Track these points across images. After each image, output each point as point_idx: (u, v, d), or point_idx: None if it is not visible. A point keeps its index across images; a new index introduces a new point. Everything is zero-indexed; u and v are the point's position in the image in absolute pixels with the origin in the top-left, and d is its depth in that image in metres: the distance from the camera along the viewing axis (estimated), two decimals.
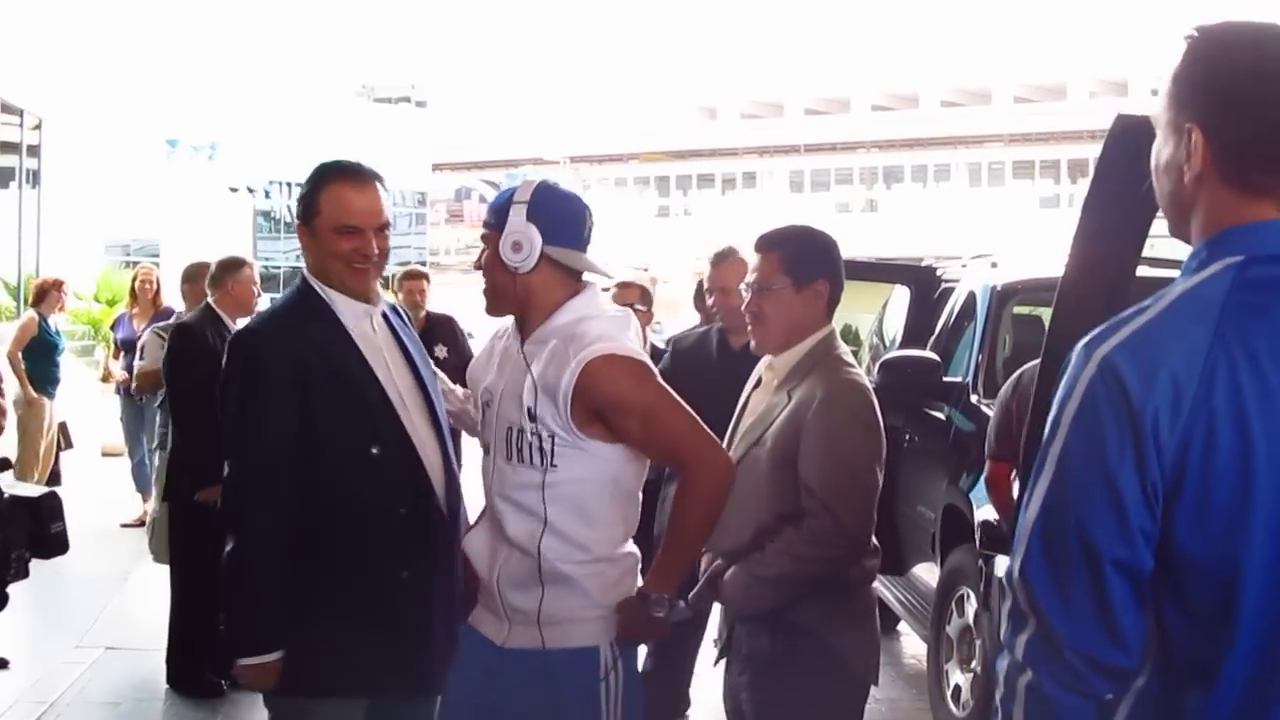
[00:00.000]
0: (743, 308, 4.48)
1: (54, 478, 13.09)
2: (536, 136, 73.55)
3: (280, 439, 3.97)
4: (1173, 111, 2.16)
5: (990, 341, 7.89)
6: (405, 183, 58.68)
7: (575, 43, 76.70)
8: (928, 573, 7.86)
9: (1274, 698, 2.02)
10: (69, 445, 13.72)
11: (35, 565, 7.18)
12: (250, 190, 51.31)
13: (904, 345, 8.99)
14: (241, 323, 7.63)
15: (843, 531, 4.12)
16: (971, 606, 6.84)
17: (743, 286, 4.47)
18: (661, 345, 6.98)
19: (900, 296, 9.73)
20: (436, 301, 10.85)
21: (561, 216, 3.80)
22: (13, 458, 12.38)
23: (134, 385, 11.04)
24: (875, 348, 10.44)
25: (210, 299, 7.98)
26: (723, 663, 4.62)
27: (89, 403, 16.67)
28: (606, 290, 4.11)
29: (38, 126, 26.56)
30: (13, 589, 6.84)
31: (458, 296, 12.12)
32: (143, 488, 12.49)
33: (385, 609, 4.02)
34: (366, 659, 4.01)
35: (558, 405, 3.65)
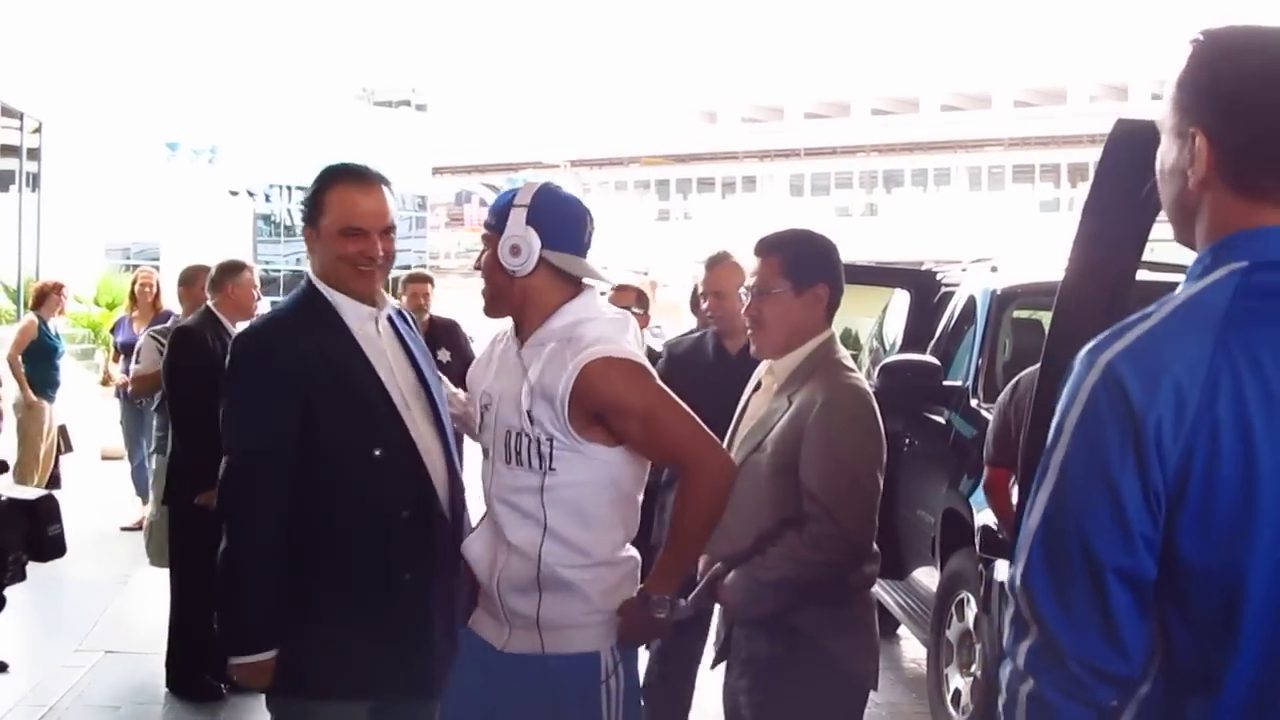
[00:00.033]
0: (742, 311, 4.48)
1: (54, 481, 13.08)
2: (537, 140, 73.56)
3: (278, 439, 3.98)
4: (1177, 116, 2.14)
5: (990, 346, 7.89)
6: (405, 186, 58.69)
7: (575, 46, 76.76)
8: (928, 577, 7.85)
9: (1278, 705, 2.01)
10: (69, 449, 13.71)
11: (34, 569, 7.18)
12: (250, 194, 51.28)
13: (904, 349, 8.99)
14: (241, 326, 7.65)
15: (845, 536, 4.12)
16: (971, 611, 6.83)
17: (742, 290, 4.47)
18: (659, 350, 6.97)
19: (900, 300, 9.73)
20: (437, 305, 10.85)
21: (561, 221, 3.80)
22: (12, 461, 12.40)
23: (130, 389, 11.05)
24: (875, 351, 10.44)
25: (210, 302, 7.98)
26: (721, 666, 4.62)
27: (89, 406, 16.67)
28: (603, 294, 4.11)
29: (38, 130, 26.58)
30: (11, 592, 6.83)
31: (458, 300, 12.12)
32: (142, 491, 12.48)
33: (386, 611, 4.02)
34: (367, 661, 4.02)
35: (555, 408, 3.65)
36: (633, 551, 3.88)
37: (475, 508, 4.14)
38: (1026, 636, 2.10)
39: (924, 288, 9.41)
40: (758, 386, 4.53)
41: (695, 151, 75.83)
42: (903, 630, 9.00)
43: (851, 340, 11.80)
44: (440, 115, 69.25)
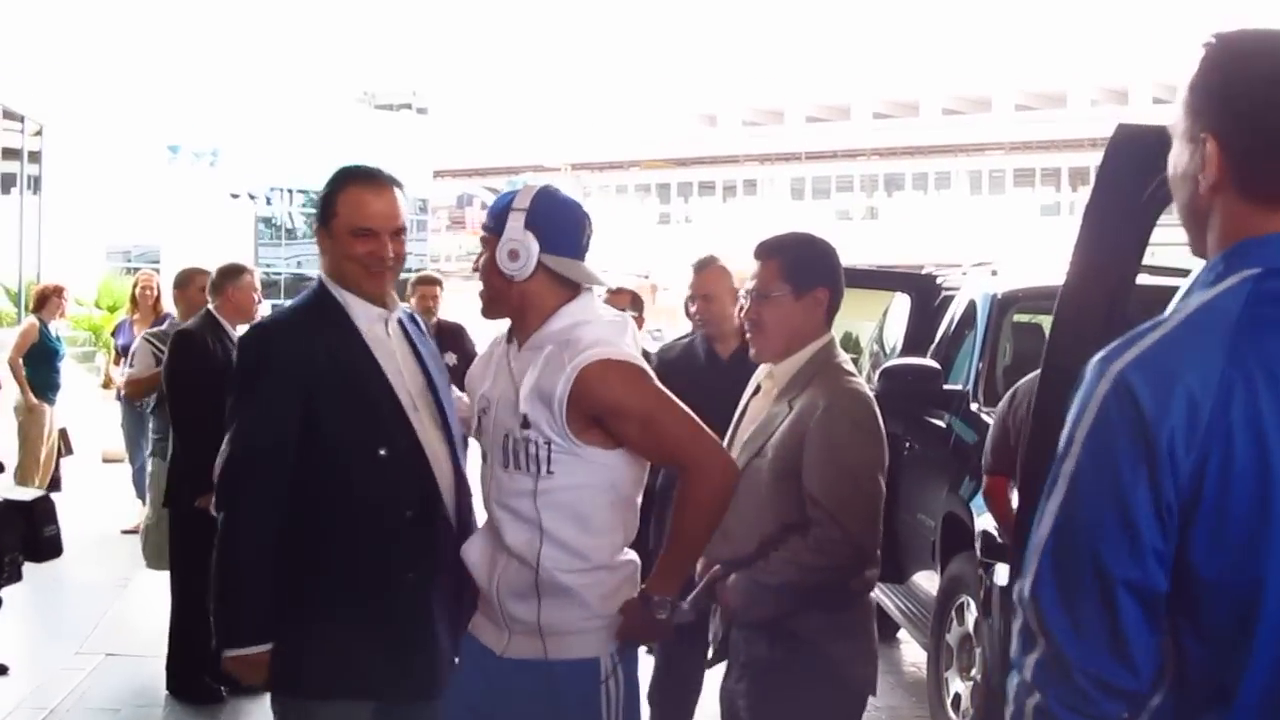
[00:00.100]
0: (741, 315, 4.49)
1: (54, 484, 13.07)
2: (537, 143, 73.57)
3: (278, 435, 3.99)
4: (1188, 120, 2.12)
5: (990, 350, 7.89)
6: (407, 189, 58.40)
7: (576, 50, 76.73)
8: (928, 581, 7.86)
9: None
10: (69, 451, 13.71)
11: (35, 571, 7.18)
12: (251, 197, 51.25)
13: (904, 353, 9.00)
14: (242, 329, 7.66)
15: (849, 541, 4.12)
16: (972, 614, 6.83)
17: (742, 294, 4.47)
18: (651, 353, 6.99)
19: (901, 304, 9.74)
20: (440, 307, 10.87)
21: (560, 224, 3.79)
22: (13, 464, 12.42)
23: (124, 392, 11.05)
24: (876, 355, 10.44)
25: (211, 305, 7.98)
26: (719, 668, 4.62)
27: (90, 409, 16.68)
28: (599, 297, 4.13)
29: (39, 133, 26.60)
30: (11, 594, 6.84)
31: (460, 302, 12.14)
32: (143, 494, 12.49)
33: (388, 611, 4.02)
34: (367, 661, 4.02)
35: (553, 412, 3.64)
36: (632, 555, 3.87)
37: (482, 513, 4.15)
38: (1034, 649, 2.07)
39: (924, 292, 9.41)
40: (757, 390, 4.53)
41: (696, 155, 75.81)
42: (903, 634, 9.00)
43: (852, 344, 11.79)
44: (441, 118, 69.18)
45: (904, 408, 7.88)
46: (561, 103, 77.80)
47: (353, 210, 4.09)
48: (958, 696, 7.06)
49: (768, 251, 4.40)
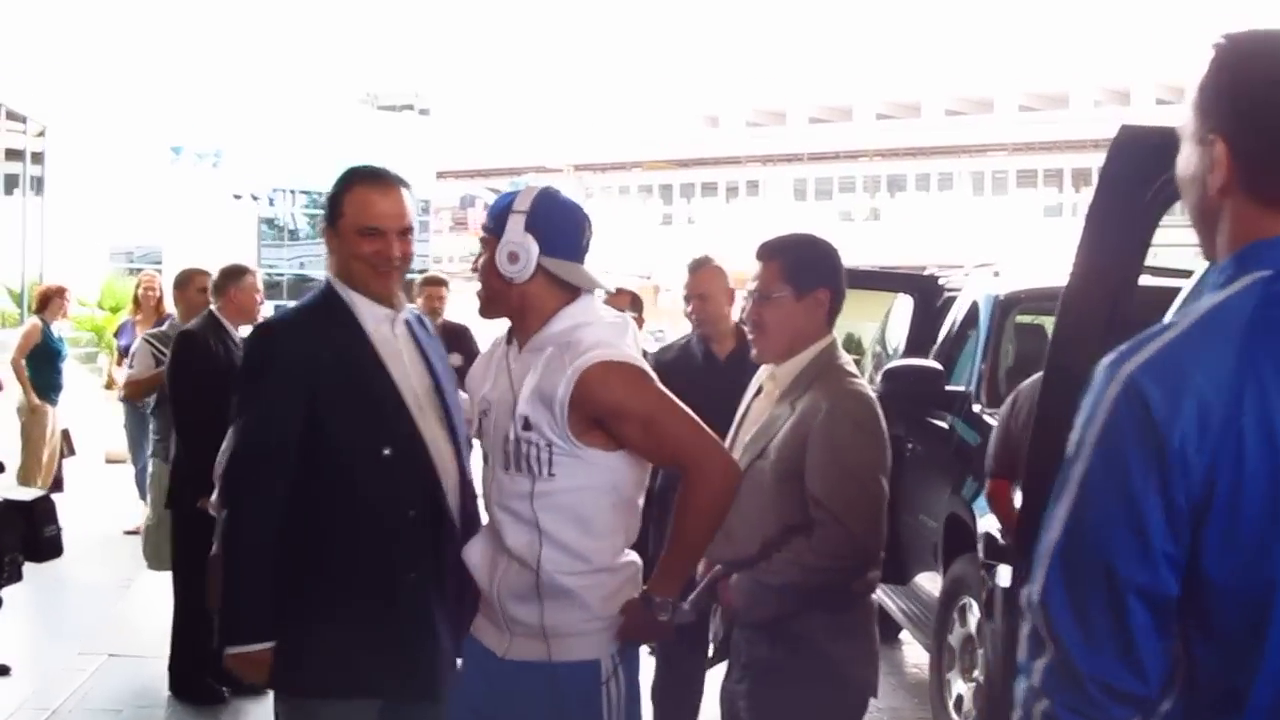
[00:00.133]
0: (743, 316, 4.48)
1: (57, 484, 13.09)
2: (540, 144, 73.60)
3: (281, 434, 4.01)
4: (1197, 121, 2.10)
5: (993, 351, 7.89)
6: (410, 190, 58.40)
7: (579, 51, 76.74)
8: (930, 582, 7.85)
9: None
10: (71, 452, 13.72)
11: (39, 572, 7.18)
12: (254, 198, 51.25)
13: (907, 354, 9.00)
14: (244, 329, 7.67)
15: (853, 542, 4.12)
16: (974, 616, 6.83)
17: (743, 295, 4.47)
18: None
19: (903, 305, 9.74)
20: (446, 308, 10.87)
21: (560, 227, 3.79)
22: (16, 464, 12.42)
23: (123, 394, 11.04)
24: (878, 356, 10.45)
25: (213, 306, 7.99)
26: (720, 668, 4.62)
27: (93, 410, 16.68)
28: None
29: (42, 133, 26.60)
30: (14, 594, 6.84)
31: (463, 303, 12.15)
32: (146, 495, 12.50)
33: (391, 610, 4.03)
34: (368, 659, 4.02)
35: (554, 414, 3.64)
36: (633, 556, 3.87)
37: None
38: (1042, 654, 2.05)
39: (927, 293, 9.42)
40: (758, 392, 4.52)
41: (698, 156, 75.82)
42: (905, 635, 9.00)
43: (854, 345, 11.79)
44: (444, 120, 69.16)
45: (906, 409, 7.88)
46: (564, 104, 77.81)
47: (359, 210, 4.10)
48: (960, 698, 7.06)
49: (769, 253, 4.39)
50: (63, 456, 13.50)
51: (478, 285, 3.91)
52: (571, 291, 3.79)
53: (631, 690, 3.84)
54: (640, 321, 7.57)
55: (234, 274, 8.05)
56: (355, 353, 4.07)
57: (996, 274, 8.67)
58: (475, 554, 3.90)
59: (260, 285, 8.27)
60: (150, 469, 9.66)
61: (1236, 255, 2.06)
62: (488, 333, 4.06)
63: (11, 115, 24.97)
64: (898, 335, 9.74)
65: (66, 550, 6.65)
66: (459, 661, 4.06)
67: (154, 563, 8.67)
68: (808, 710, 4.21)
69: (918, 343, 9.07)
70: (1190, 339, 1.98)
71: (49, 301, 13.43)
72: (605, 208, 64.97)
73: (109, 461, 16.15)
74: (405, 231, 4.14)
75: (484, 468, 3.93)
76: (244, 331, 7.82)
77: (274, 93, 50.67)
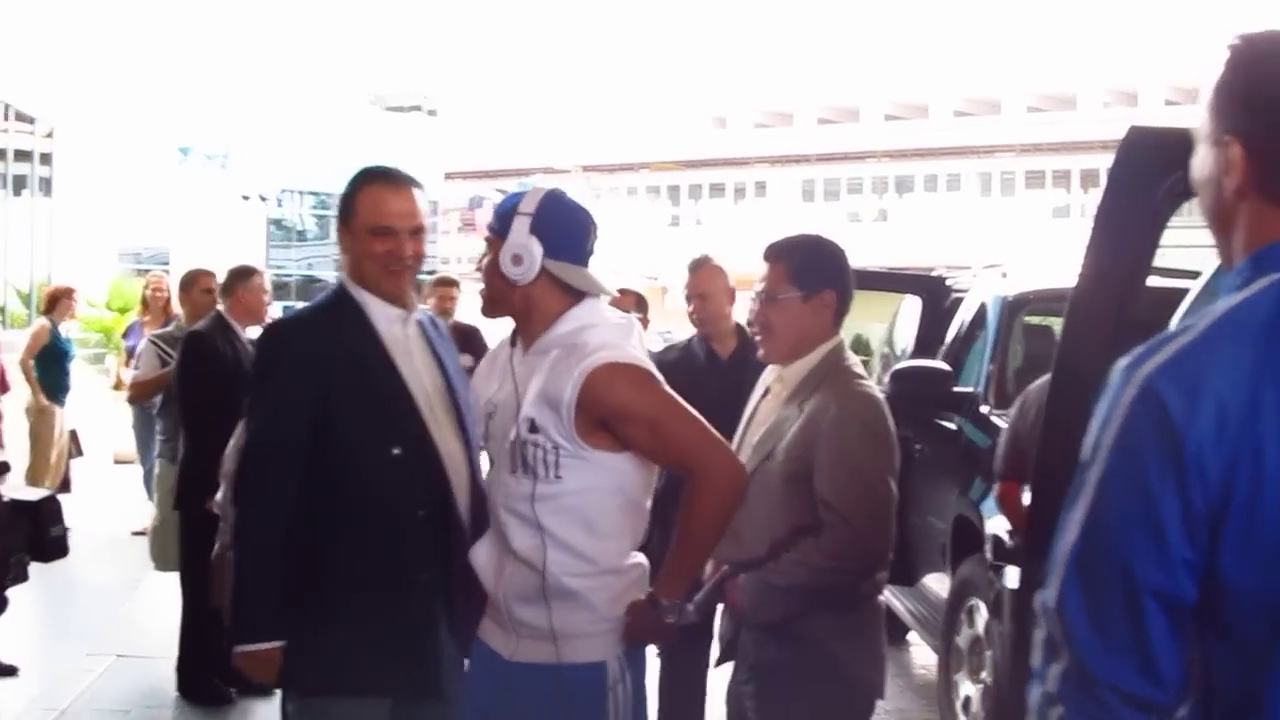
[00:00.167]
0: (750, 317, 4.49)
1: (65, 485, 13.11)
2: (548, 145, 73.54)
3: (291, 433, 4.02)
4: (1212, 123, 2.07)
5: (1001, 352, 7.89)
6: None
7: (586, 52, 76.72)
8: (938, 583, 7.85)
9: None
10: (79, 453, 13.74)
11: (47, 572, 7.20)
12: (262, 198, 51.32)
13: (915, 355, 9.00)
14: (253, 330, 7.68)
15: (861, 544, 4.12)
16: (982, 617, 6.83)
17: (750, 296, 4.47)
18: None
19: (911, 306, 9.74)
20: (457, 309, 10.89)
21: (565, 230, 3.79)
22: (24, 465, 12.44)
23: (128, 395, 11.05)
24: (886, 357, 10.45)
25: (221, 307, 8.00)
26: (725, 668, 4.62)
27: (101, 410, 16.71)
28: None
29: (50, 134, 26.63)
30: (23, 595, 6.86)
31: (475, 305, 12.18)
32: (153, 496, 12.51)
33: (399, 609, 4.03)
34: (376, 658, 4.02)
35: (561, 416, 3.64)
36: (640, 558, 3.86)
37: None
38: (1057, 660, 2.02)
39: (935, 294, 9.41)
40: (765, 393, 4.52)
41: (706, 157, 75.72)
42: (913, 636, 9.00)
43: (863, 346, 11.80)
44: (451, 121, 69.21)
45: (914, 410, 7.88)
46: (571, 105, 77.78)
47: (371, 209, 4.11)
48: (968, 699, 7.05)
49: (776, 254, 4.40)
50: (70, 457, 13.52)
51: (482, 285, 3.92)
52: (576, 294, 3.79)
53: (638, 692, 3.84)
54: (645, 322, 7.57)
55: (242, 275, 8.06)
56: (366, 352, 4.08)
57: (1004, 275, 8.67)
58: (481, 556, 3.90)
59: (268, 286, 8.28)
60: (156, 470, 9.66)
61: (1253, 257, 2.03)
62: (498, 334, 4.06)
63: (20, 116, 25.01)
64: (906, 336, 9.74)
65: (75, 551, 6.66)
66: (466, 663, 4.06)
67: (160, 563, 8.67)
68: (814, 711, 4.21)
69: (926, 344, 9.07)
70: (1207, 340, 1.95)
71: (57, 302, 13.44)
72: (613, 209, 64.91)
73: (117, 462, 16.17)
74: (417, 231, 4.15)
75: (489, 470, 3.93)
76: (252, 332, 7.83)
77: (282, 94, 50.74)
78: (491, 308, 3.92)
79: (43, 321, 13.53)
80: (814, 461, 4.12)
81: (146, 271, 19.34)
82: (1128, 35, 62.27)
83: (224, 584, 5.24)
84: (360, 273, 4.15)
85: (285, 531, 3.99)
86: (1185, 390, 1.91)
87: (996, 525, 6.48)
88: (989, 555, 6.53)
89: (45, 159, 26.63)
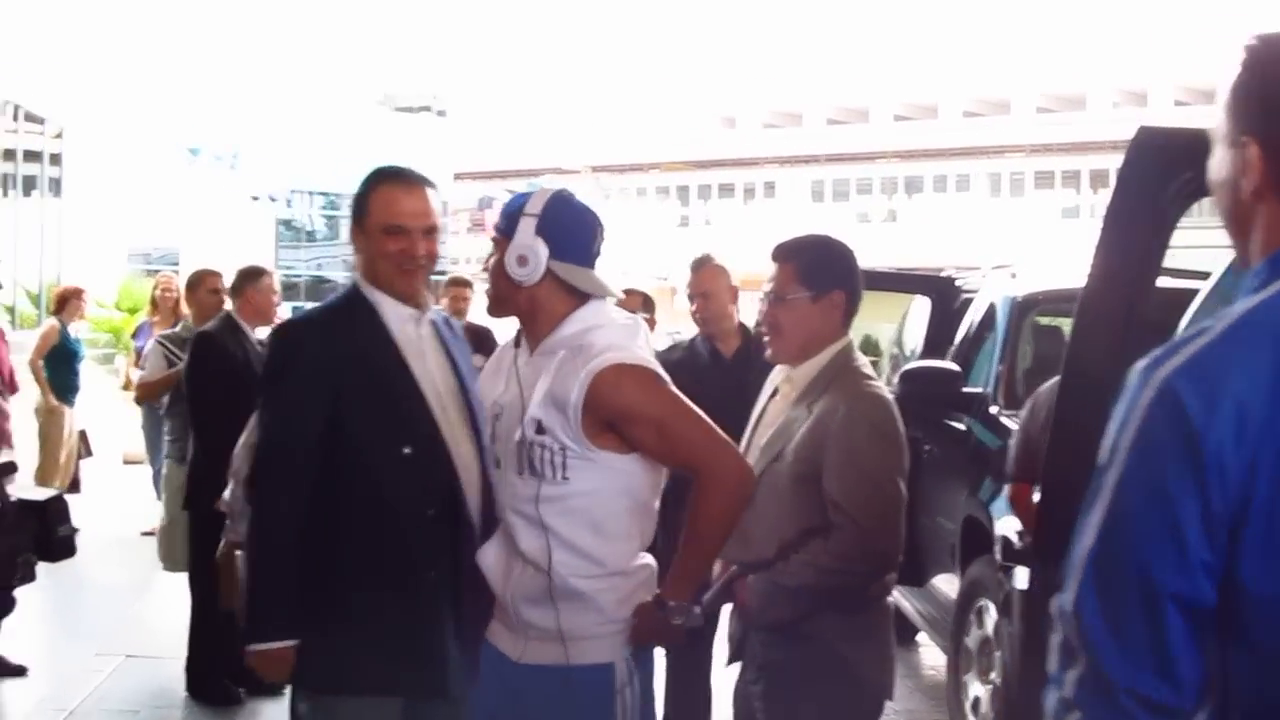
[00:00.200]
0: (758, 318, 4.48)
1: (74, 485, 13.13)
2: (557, 146, 73.59)
3: (304, 432, 4.03)
4: (1229, 124, 2.05)
5: (1010, 352, 7.88)
6: None
7: (596, 52, 76.75)
8: (947, 584, 7.84)
9: None
10: (89, 453, 13.76)
11: (57, 572, 7.21)
12: (272, 199, 51.42)
13: (924, 356, 9.00)
14: (262, 331, 7.69)
15: (871, 545, 4.12)
16: (991, 618, 6.82)
17: (759, 296, 4.46)
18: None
19: (920, 307, 9.74)
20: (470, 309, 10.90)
21: (571, 231, 3.79)
22: (33, 465, 12.46)
23: (134, 396, 11.06)
24: (895, 358, 10.45)
25: (230, 308, 8.01)
26: (733, 668, 4.62)
27: (110, 411, 16.72)
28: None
29: (59, 135, 26.63)
30: (32, 595, 6.87)
31: (481, 304, 12.19)
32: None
33: (408, 608, 4.03)
34: (385, 657, 4.02)
35: (568, 417, 3.63)
36: (648, 559, 3.85)
37: None
38: (1074, 665, 1.99)
39: (944, 294, 9.42)
40: (774, 394, 4.52)
41: (715, 157, 75.73)
42: (922, 637, 8.99)
43: (872, 346, 11.79)
44: (461, 121, 69.27)
45: (923, 411, 7.87)
46: (581, 105, 77.81)
47: (384, 208, 4.12)
48: (977, 700, 7.05)
49: (784, 254, 4.39)
50: (80, 457, 13.55)
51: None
52: (581, 295, 3.79)
53: (646, 693, 3.84)
54: (652, 323, 7.58)
55: (251, 275, 8.06)
56: (378, 351, 4.09)
57: (1014, 275, 8.66)
58: (489, 558, 3.89)
59: (277, 287, 8.29)
60: (164, 470, 9.67)
61: (1271, 258, 2.02)
62: (510, 334, 4.06)
63: (29, 117, 25.00)
64: (915, 337, 9.74)
65: (84, 551, 6.67)
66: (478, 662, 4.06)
67: (168, 564, 8.68)
68: (823, 712, 4.20)
69: (935, 344, 9.07)
70: (1226, 342, 1.93)
71: (67, 303, 13.47)
72: (622, 209, 64.93)
73: (126, 462, 16.19)
74: (430, 230, 4.15)
75: (496, 472, 3.93)
76: (261, 333, 7.84)
77: (291, 94, 50.81)
78: (497, 308, 3.92)
79: (52, 322, 13.56)
80: (823, 462, 4.12)
81: (156, 272, 19.38)
82: (1137, 35, 62.23)
83: (233, 583, 5.25)
84: (374, 272, 4.15)
85: (299, 530, 4.00)
86: (1204, 392, 1.89)
87: (1006, 526, 6.47)
88: (998, 556, 6.52)
89: (55, 159, 26.62)
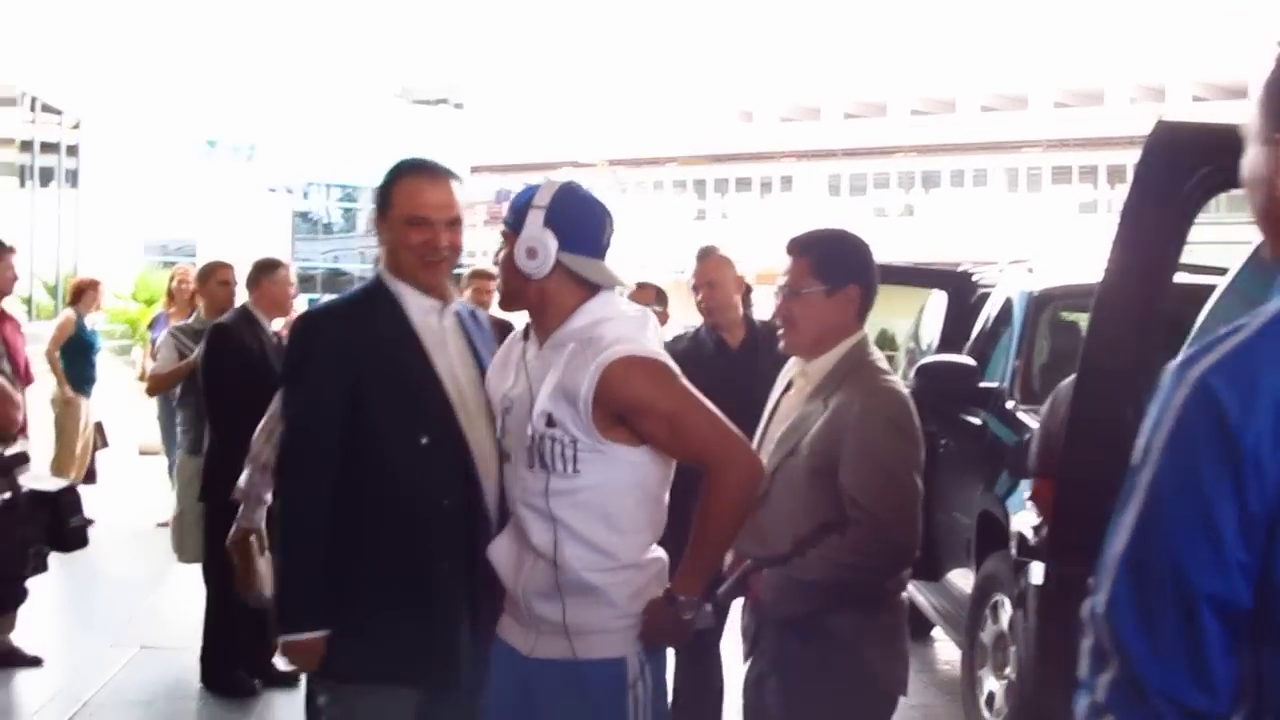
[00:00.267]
0: (773, 311, 4.47)
1: (90, 477, 13.14)
2: (574, 139, 73.54)
3: (326, 422, 4.03)
4: (1263, 121, 2.01)
5: (1027, 347, 7.87)
6: None
7: (613, 46, 76.72)
8: (962, 579, 7.83)
9: None
10: (105, 444, 13.78)
11: (72, 563, 7.21)
12: (289, 191, 51.50)
13: (940, 350, 8.98)
14: (278, 323, 7.70)
15: (889, 541, 4.11)
16: (1007, 613, 6.81)
17: (774, 290, 4.46)
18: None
19: (937, 301, 9.73)
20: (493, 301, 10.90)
21: (580, 223, 3.78)
22: (49, 456, 12.48)
23: (146, 387, 11.07)
24: (912, 352, 10.44)
25: (246, 299, 8.02)
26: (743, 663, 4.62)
27: (126, 402, 16.75)
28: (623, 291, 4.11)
29: (76, 126, 26.68)
30: (50, 587, 6.88)
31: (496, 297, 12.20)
32: None
33: (423, 599, 4.03)
34: (400, 648, 4.02)
35: (578, 410, 3.63)
36: (659, 553, 3.85)
37: None
38: (1106, 669, 1.96)
39: (961, 289, 9.40)
40: (788, 387, 4.51)
41: (732, 151, 75.66)
42: (937, 632, 8.98)
43: (888, 341, 11.79)
44: (478, 114, 69.33)
45: (940, 406, 7.86)
46: (598, 99, 77.77)
47: (408, 200, 4.12)
48: (992, 695, 7.04)
49: (799, 248, 4.38)
50: (96, 449, 13.55)
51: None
52: (591, 287, 3.78)
53: (658, 688, 3.83)
54: (665, 316, 7.57)
55: (267, 267, 8.07)
56: (398, 341, 4.09)
57: (1031, 270, 8.66)
58: (501, 552, 3.89)
59: (293, 279, 8.29)
60: (178, 462, 9.69)
61: None
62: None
63: (46, 108, 25.05)
64: (931, 331, 9.72)
65: (100, 542, 6.67)
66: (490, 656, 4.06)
67: (182, 555, 8.70)
68: (837, 708, 4.20)
69: (951, 339, 9.05)
70: (1263, 338, 1.90)
71: (83, 294, 13.48)
72: (639, 203, 64.93)
73: (142, 454, 16.22)
74: (454, 222, 4.15)
75: (506, 465, 3.92)
76: (276, 325, 7.86)
77: (309, 86, 50.86)
78: (508, 301, 3.93)
79: (68, 313, 13.57)
80: (839, 457, 4.11)
81: (172, 264, 19.39)
82: (1155, 31, 62.10)
83: (248, 568, 5.26)
84: (397, 263, 4.16)
85: (328, 517, 4.00)
86: (1241, 389, 1.86)
87: (1022, 521, 6.46)
88: (1014, 551, 6.51)
89: (72, 151, 26.68)
